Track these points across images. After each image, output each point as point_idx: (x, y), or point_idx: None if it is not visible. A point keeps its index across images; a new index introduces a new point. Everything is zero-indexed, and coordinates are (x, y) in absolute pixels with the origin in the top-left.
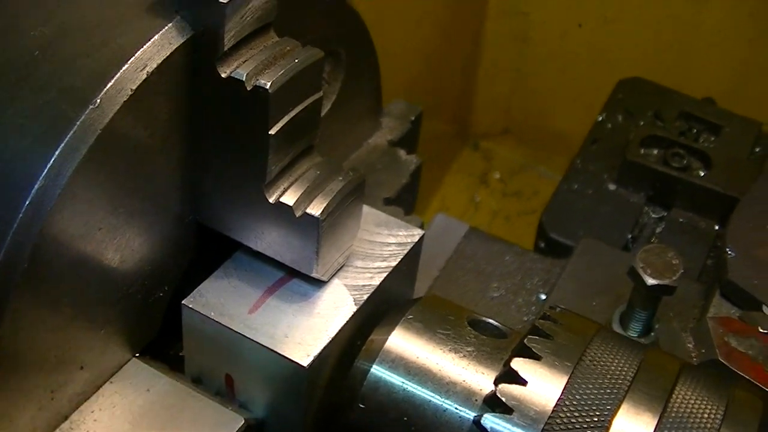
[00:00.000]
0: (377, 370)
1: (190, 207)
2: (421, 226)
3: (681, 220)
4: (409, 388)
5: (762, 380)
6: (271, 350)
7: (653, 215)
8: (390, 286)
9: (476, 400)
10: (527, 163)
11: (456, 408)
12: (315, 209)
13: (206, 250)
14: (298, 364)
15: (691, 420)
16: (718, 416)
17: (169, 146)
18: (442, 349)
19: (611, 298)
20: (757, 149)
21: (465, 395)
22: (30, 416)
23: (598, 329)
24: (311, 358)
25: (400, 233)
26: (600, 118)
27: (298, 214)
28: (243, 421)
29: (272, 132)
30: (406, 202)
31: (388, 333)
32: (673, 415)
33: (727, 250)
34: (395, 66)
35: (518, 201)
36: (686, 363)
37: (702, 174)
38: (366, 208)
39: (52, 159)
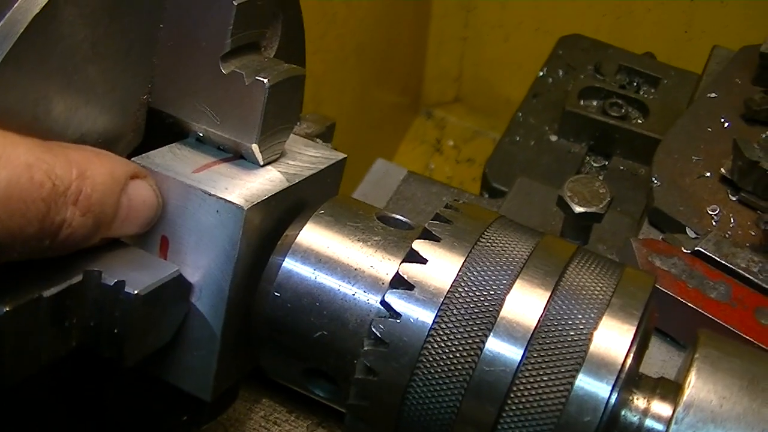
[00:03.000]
0: (290, 261)
1: (143, 87)
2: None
3: (621, 168)
4: (320, 277)
5: (685, 296)
6: (212, 195)
7: (594, 164)
8: (314, 189)
9: (383, 284)
10: (479, 129)
11: (364, 292)
12: (264, 77)
13: (153, 140)
14: (237, 206)
15: (584, 292)
16: (610, 288)
17: (138, 17)
18: (350, 239)
19: (546, 232)
20: None
21: (372, 281)
22: None
23: (498, 217)
24: (250, 204)
25: (326, 152)
26: (541, 74)
27: (248, 81)
28: (177, 269)
29: (236, 2)
30: None
31: (301, 227)
32: (566, 288)
33: (653, 179)
34: (344, 35)
35: (471, 167)
36: (581, 247)
37: (640, 122)
38: (294, 136)
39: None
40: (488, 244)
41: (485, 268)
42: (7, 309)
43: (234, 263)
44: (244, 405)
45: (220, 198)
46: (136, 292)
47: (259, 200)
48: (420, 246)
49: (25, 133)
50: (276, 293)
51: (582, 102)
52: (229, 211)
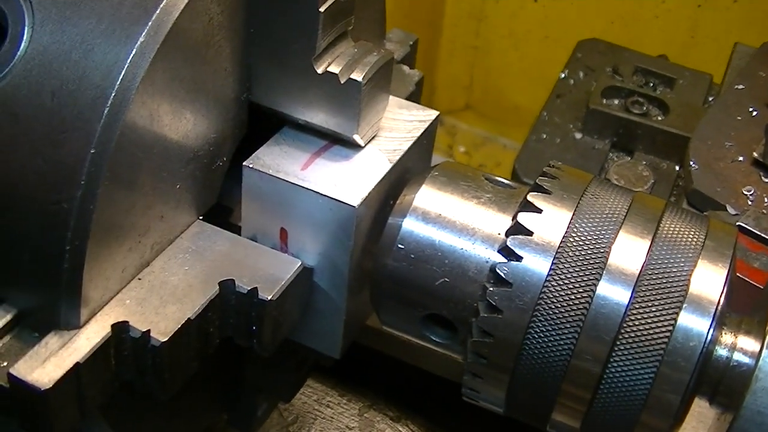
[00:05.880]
0: (410, 220)
1: (245, 87)
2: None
3: (644, 162)
4: (440, 231)
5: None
6: (325, 195)
7: (617, 160)
8: (414, 156)
9: (499, 234)
10: (490, 136)
11: (481, 242)
12: (357, 75)
13: (254, 131)
14: (348, 204)
15: (680, 237)
16: (702, 235)
17: (229, 32)
18: (465, 197)
19: None
20: (711, 98)
21: (488, 233)
22: (123, 255)
23: (594, 177)
24: (359, 200)
25: (419, 113)
26: (562, 75)
27: (342, 80)
28: (300, 263)
29: (322, 9)
30: None
31: (418, 188)
32: (664, 235)
33: (691, 163)
34: None
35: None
36: (669, 201)
37: (660, 119)
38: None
39: (132, 53)
40: (592, 197)
41: (593, 218)
42: (164, 340)
43: (350, 249)
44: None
45: (332, 198)
46: (269, 297)
47: (367, 192)
48: (534, 198)
49: (155, 152)
50: (400, 245)
51: (604, 101)
52: (341, 209)
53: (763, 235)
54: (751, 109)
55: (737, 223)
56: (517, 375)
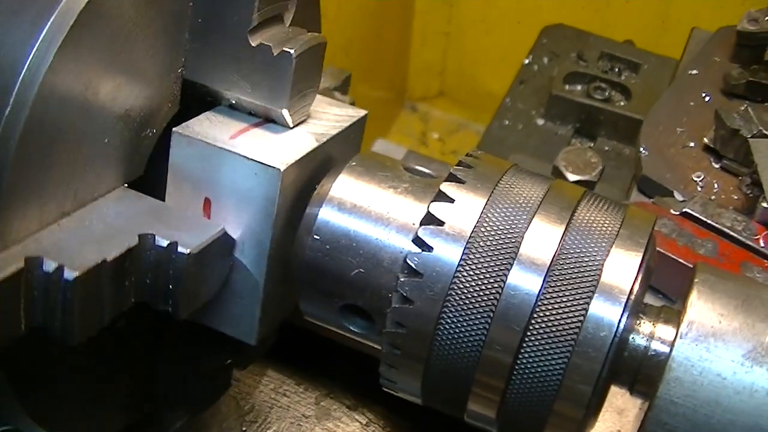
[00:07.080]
0: (327, 209)
1: (177, 62)
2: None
3: (606, 148)
4: (356, 220)
5: (675, 253)
6: (251, 159)
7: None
8: (339, 145)
9: (413, 225)
10: (463, 122)
11: (396, 232)
12: (290, 48)
13: (187, 110)
14: (274, 168)
15: (594, 226)
16: (617, 222)
17: (157, 6)
18: (382, 186)
19: None
20: None
21: (403, 222)
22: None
23: (512, 165)
24: (285, 165)
25: (349, 111)
26: (526, 61)
27: (276, 52)
28: (222, 227)
29: None
30: None
31: (335, 177)
32: (578, 223)
33: (641, 149)
34: (333, 31)
35: (456, 159)
36: (588, 190)
37: (623, 104)
38: (317, 96)
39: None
40: (507, 186)
41: (506, 206)
42: (77, 274)
43: (273, 219)
44: (254, 378)
45: (258, 161)
46: (188, 251)
47: (293, 160)
48: (447, 187)
49: (75, 115)
50: (315, 236)
51: (567, 87)
52: (266, 172)
53: (709, 221)
54: (704, 95)
55: (683, 210)
56: (430, 365)
